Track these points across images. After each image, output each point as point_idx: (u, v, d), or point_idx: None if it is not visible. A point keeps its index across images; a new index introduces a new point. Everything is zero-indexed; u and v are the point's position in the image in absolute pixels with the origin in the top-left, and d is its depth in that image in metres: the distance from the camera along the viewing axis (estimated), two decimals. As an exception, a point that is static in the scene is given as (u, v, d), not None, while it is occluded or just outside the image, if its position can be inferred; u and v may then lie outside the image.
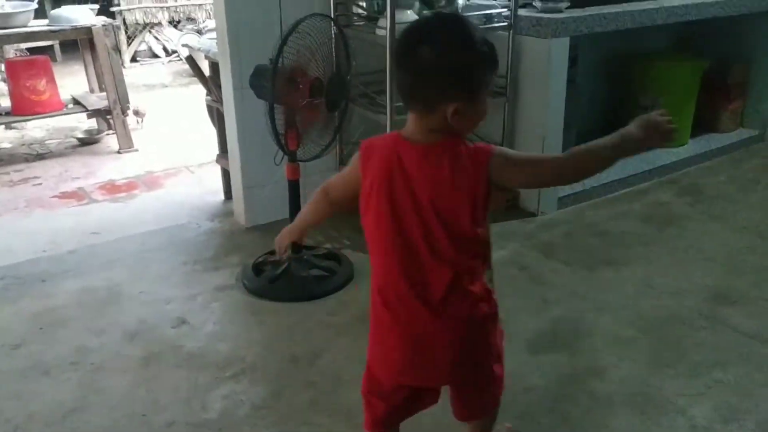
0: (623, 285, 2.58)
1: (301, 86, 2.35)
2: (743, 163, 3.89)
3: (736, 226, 3.07)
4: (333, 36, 2.58)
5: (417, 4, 2.96)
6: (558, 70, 2.99)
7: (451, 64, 1.20)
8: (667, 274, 2.65)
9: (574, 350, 2.18)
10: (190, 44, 3.53)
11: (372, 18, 2.78)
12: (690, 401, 1.92)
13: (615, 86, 4.02)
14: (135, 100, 4.93)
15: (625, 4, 3.26)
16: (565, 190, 3.25)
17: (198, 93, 3.51)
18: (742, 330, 2.27)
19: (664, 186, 3.54)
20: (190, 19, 7.85)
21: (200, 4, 7.66)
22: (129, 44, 7.59)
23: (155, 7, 7.57)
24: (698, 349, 2.18)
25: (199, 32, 7.67)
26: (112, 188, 3.74)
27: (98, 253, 2.89)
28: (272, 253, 2.76)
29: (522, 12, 3.02)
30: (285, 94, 2.35)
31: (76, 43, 5.03)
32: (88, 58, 4.87)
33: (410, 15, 2.76)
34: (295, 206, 2.59)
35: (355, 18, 2.87)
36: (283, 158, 2.53)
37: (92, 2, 5.52)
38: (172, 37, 7.69)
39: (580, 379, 2.04)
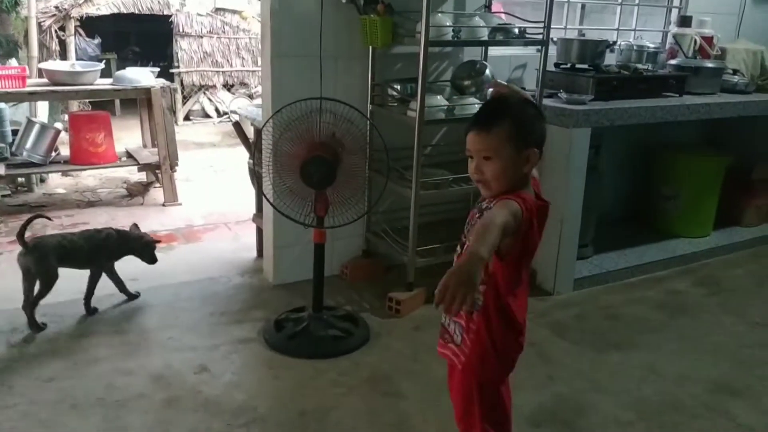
0: (629, 369, 2.65)
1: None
2: (764, 259, 3.94)
3: (750, 320, 3.12)
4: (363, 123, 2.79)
5: (448, 90, 3.19)
6: (578, 158, 3.15)
7: None
8: (674, 362, 2.71)
9: (572, 428, 2.26)
10: (238, 110, 3.81)
11: (404, 100, 3.00)
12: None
13: (639, 175, 4.14)
14: (184, 157, 5.23)
15: (648, 100, 3.43)
16: (582, 272, 3.35)
17: (244, 154, 3.80)
18: (741, 422, 2.32)
19: (682, 275, 3.61)
20: (243, 84, 8.32)
21: (253, 71, 8.12)
22: (184, 104, 8.06)
23: (211, 71, 8.07)
24: (695, 438, 2.23)
25: (251, 96, 8.12)
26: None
27: (134, 298, 3.10)
28: (296, 310, 2.92)
29: (548, 101, 3.22)
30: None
31: (135, 101, 5.41)
32: (145, 115, 5.24)
33: (440, 100, 2.97)
34: (319, 268, 2.76)
35: (389, 99, 3.09)
36: (311, 222, 2.71)
37: (154, 66, 5.94)
38: (225, 100, 8.13)
39: (574, 456, 2.10)
